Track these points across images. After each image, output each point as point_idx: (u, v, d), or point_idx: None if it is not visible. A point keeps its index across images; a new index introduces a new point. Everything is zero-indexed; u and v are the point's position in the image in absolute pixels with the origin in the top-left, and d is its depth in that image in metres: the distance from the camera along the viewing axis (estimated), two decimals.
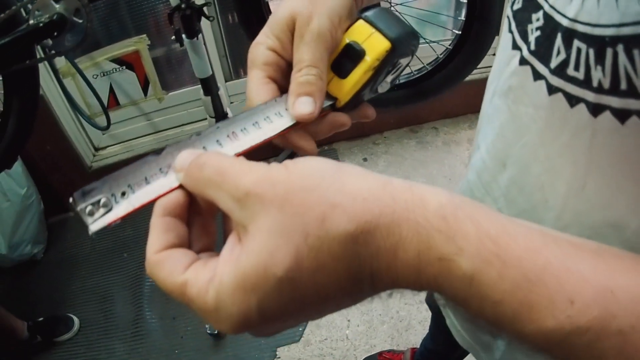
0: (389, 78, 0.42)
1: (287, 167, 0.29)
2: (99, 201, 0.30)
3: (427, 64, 1.69)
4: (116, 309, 1.75)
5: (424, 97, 1.71)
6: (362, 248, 0.27)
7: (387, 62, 0.39)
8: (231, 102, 2.00)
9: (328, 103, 0.39)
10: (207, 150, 0.33)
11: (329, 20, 0.38)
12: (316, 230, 0.26)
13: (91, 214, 0.30)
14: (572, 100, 0.35)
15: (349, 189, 0.27)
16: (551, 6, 0.36)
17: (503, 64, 0.45)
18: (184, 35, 1.29)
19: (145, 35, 1.78)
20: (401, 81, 1.68)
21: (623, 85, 0.31)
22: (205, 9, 1.26)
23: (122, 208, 0.30)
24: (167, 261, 0.29)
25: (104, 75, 1.83)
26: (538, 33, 0.38)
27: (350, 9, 0.40)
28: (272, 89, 0.38)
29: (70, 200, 0.29)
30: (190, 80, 1.95)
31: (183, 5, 1.21)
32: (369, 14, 0.39)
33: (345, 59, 0.39)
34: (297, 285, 0.26)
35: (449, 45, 1.63)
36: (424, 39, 1.68)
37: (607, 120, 0.33)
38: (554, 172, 0.40)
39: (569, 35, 0.34)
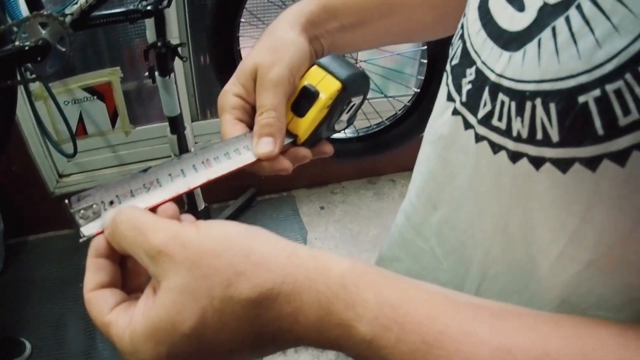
0: (345, 117, 0.47)
1: (199, 229, 0.32)
2: (91, 206, 0.34)
3: (386, 119, 1.79)
4: (69, 337, 1.70)
5: (383, 150, 1.79)
6: (265, 311, 0.30)
7: (340, 101, 0.44)
8: (196, 142, 2.03)
9: (289, 140, 0.45)
10: (174, 178, 0.37)
11: (288, 68, 0.44)
12: (221, 294, 0.29)
13: (84, 217, 0.33)
14: (495, 148, 0.38)
15: (255, 258, 0.31)
16: (483, 62, 0.40)
17: (437, 114, 0.48)
18: (157, 73, 1.33)
19: (119, 67, 1.81)
20: (361, 134, 1.77)
21: (539, 135, 0.34)
22: (179, 49, 1.31)
23: (109, 215, 0.33)
24: (96, 300, 0.32)
25: (75, 102, 1.84)
26: (470, 86, 0.42)
27: (308, 58, 0.46)
28: (242, 128, 0.44)
29: (66, 201, 0.33)
30: (158, 117, 1.98)
31: (159, 44, 1.26)
32: (322, 60, 0.45)
33: (302, 100, 0.45)
34: (203, 340, 0.30)
35: (408, 102, 1.73)
36: (384, 94, 1.77)
37: (524, 166, 0.36)
38: (482, 213, 0.43)
39: (495, 88, 0.37)
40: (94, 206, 0.34)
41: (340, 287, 0.30)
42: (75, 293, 1.82)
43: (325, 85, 0.44)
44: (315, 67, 0.45)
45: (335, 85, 0.43)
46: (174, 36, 1.44)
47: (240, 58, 1.51)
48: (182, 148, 1.49)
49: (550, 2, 0.34)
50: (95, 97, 1.86)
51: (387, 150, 1.78)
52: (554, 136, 0.33)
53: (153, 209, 0.35)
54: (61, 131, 1.88)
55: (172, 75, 1.36)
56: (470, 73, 0.42)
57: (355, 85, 0.45)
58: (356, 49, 0.59)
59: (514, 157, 0.37)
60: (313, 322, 0.30)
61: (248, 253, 0.31)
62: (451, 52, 0.47)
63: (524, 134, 0.35)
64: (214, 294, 0.29)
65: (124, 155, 2.06)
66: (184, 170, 0.38)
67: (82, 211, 0.33)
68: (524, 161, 0.36)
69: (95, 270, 0.33)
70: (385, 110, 1.80)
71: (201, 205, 1.66)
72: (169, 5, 1.22)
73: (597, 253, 0.34)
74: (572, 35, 0.31)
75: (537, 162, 0.35)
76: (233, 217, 2.02)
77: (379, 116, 1.77)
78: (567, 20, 0.32)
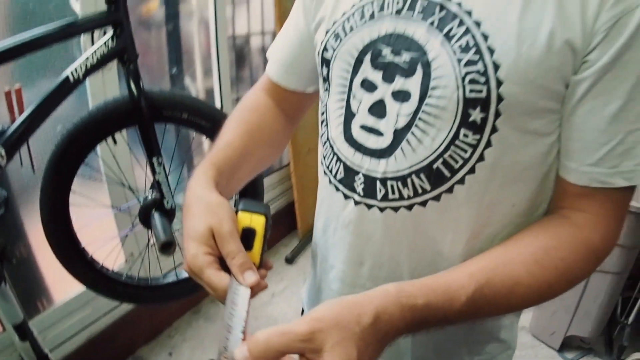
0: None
1: (319, 309, 0.51)
2: None
3: None
4: None
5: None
6: (379, 325, 0.51)
7: (268, 228, 0.61)
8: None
9: None
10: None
11: (231, 221, 0.60)
12: (358, 328, 0.49)
13: None
14: (397, 209, 0.68)
15: (359, 309, 0.51)
16: (367, 169, 0.68)
17: (336, 212, 0.74)
18: None
19: None
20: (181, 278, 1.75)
21: (419, 191, 0.66)
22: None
23: (239, 351, 0.47)
24: None
25: None
26: (362, 186, 0.69)
27: (230, 207, 0.63)
28: (224, 274, 0.58)
29: None
30: None
31: None
32: (242, 206, 0.62)
33: (245, 238, 0.60)
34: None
35: None
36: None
37: (417, 209, 0.67)
38: (396, 249, 0.71)
39: (384, 180, 0.67)
40: None
41: (402, 299, 0.54)
42: None
43: (255, 222, 0.61)
44: (240, 212, 0.61)
45: (262, 219, 0.61)
46: None
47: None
48: (38, 353, 1.34)
49: (399, 128, 0.65)
50: None
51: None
52: (427, 188, 0.65)
53: None
54: None
55: (3, 283, 1.24)
56: (359, 178, 0.69)
57: (269, 213, 0.62)
58: (237, 189, 0.80)
59: (410, 207, 0.67)
60: (398, 319, 0.53)
61: (350, 304, 0.52)
62: (329, 172, 0.74)
63: (412, 194, 0.66)
64: (355, 329, 0.49)
65: None
66: (228, 338, 0.51)
67: None
68: (417, 207, 0.66)
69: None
70: None
71: None
72: None
73: (476, 246, 0.67)
74: (418, 141, 0.64)
75: (424, 204, 0.66)
76: None
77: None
78: (412, 134, 0.64)
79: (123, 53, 1.41)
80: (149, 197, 1.51)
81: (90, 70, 1.35)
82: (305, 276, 2.56)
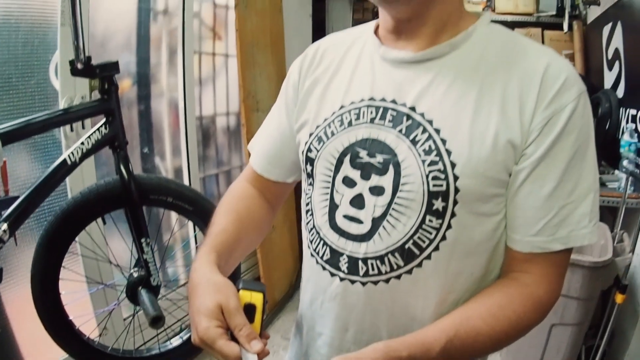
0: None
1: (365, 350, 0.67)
2: None
3: None
4: None
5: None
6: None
7: (265, 303, 0.72)
8: None
9: None
10: None
11: (236, 297, 0.70)
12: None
13: None
14: (378, 283, 0.78)
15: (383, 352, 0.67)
16: (350, 252, 0.79)
17: (323, 287, 0.84)
18: None
19: None
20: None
21: (395, 267, 0.77)
22: None
23: None
24: None
25: None
26: (347, 265, 0.80)
27: (234, 286, 0.72)
28: (234, 345, 0.66)
29: None
30: None
31: None
32: (242, 285, 0.72)
33: (247, 313, 0.69)
34: None
35: None
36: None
37: (393, 282, 0.77)
38: (377, 316, 0.80)
39: (365, 259, 0.78)
40: None
41: (390, 352, 0.67)
42: None
43: (255, 298, 0.71)
44: (242, 290, 0.72)
45: (260, 296, 0.72)
46: None
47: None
48: None
49: (376, 216, 0.77)
50: None
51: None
52: (400, 264, 0.76)
53: None
54: None
55: None
56: (344, 259, 0.80)
57: (265, 291, 0.73)
58: (233, 269, 0.89)
59: (387, 280, 0.78)
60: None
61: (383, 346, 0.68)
62: (316, 254, 0.84)
63: (388, 269, 0.77)
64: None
65: None
66: None
67: None
68: (393, 280, 0.77)
69: None
70: None
71: None
72: None
73: (443, 310, 0.77)
74: (392, 226, 0.76)
75: (398, 277, 0.77)
76: None
77: None
78: (387, 221, 0.76)
79: (114, 140, 1.56)
80: (135, 275, 1.61)
81: (86, 154, 1.48)
82: (274, 349, 2.58)
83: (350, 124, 0.80)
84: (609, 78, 2.87)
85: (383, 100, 0.79)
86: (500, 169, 0.72)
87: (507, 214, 0.77)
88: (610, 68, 2.85)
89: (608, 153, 2.55)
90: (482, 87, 0.74)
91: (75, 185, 1.78)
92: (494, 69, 0.75)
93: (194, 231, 2.32)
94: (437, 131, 0.74)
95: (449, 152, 0.72)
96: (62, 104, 1.71)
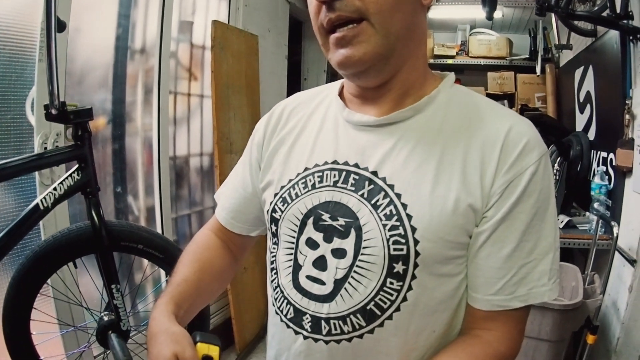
0: None
1: None
2: None
3: None
4: None
5: None
6: None
7: (221, 356, 0.75)
8: None
9: None
10: None
11: (192, 348, 0.73)
12: None
13: None
14: (340, 342, 0.79)
15: None
16: (313, 311, 0.79)
17: (288, 344, 0.83)
18: None
19: None
20: None
21: (363, 324, 0.77)
22: None
23: None
24: None
25: None
26: (310, 324, 0.80)
27: (190, 337, 0.75)
28: None
29: None
30: None
31: None
32: (200, 338, 0.75)
33: None
34: None
35: None
36: None
37: (364, 339, 0.77)
38: None
39: (327, 319, 0.78)
40: None
41: None
42: None
43: (212, 350, 0.74)
44: (199, 343, 0.75)
45: (217, 349, 0.75)
46: None
47: None
48: None
49: (338, 278, 0.77)
50: None
51: None
52: (362, 324, 0.76)
53: None
54: None
55: None
56: (307, 318, 0.80)
57: (220, 344, 0.76)
58: (191, 318, 0.91)
59: (350, 339, 0.78)
60: None
61: None
62: (280, 312, 0.84)
63: (351, 329, 0.77)
64: None
65: None
66: None
67: None
68: (355, 339, 0.78)
69: None
70: None
71: None
72: None
73: (436, 346, 0.79)
74: (354, 288, 0.77)
75: (361, 336, 0.77)
76: None
77: None
78: (349, 283, 0.77)
79: (87, 186, 1.57)
80: (105, 319, 1.61)
81: (59, 199, 1.49)
82: None
83: (313, 186, 0.82)
84: (580, 120, 2.94)
85: (346, 164, 0.80)
86: (460, 233, 0.74)
87: (468, 273, 0.78)
88: (582, 111, 2.93)
89: (579, 195, 2.61)
90: (443, 151, 0.76)
91: (49, 226, 1.78)
92: (456, 132, 0.77)
93: (166, 277, 2.31)
94: (398, 196, 0.75)
95: (409, 217, 0.74)
96: (37, 142, 1.71)
